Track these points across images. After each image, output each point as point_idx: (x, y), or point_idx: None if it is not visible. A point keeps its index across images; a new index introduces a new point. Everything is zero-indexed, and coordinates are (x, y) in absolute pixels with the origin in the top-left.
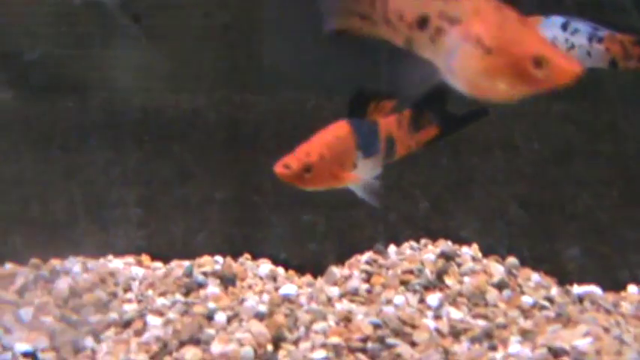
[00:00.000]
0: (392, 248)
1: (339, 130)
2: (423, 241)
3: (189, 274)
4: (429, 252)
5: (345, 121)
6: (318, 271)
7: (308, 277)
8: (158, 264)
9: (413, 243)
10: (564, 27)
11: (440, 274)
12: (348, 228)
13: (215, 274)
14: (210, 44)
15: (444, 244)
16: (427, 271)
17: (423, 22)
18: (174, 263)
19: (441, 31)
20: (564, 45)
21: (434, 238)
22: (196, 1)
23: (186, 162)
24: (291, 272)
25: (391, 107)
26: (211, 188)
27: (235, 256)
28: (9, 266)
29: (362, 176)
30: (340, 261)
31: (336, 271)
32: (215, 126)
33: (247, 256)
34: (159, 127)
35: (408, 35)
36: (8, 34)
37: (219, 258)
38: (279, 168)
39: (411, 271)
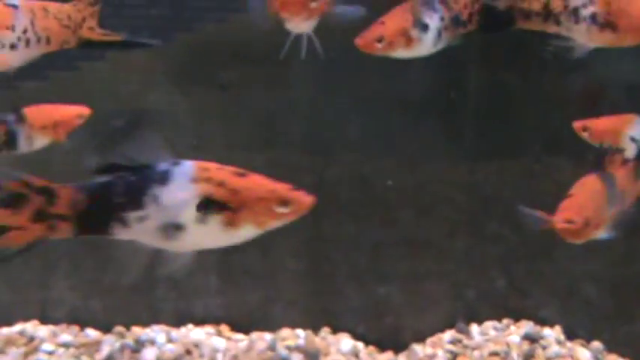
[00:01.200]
0: (475, 328)
1: (594, 185)
2: (505, 321)
3: (272, 348)
4: (513, 333)
5: (596, 176)
6: (396, 346)
7: (389, 354)
8: (240, 335)
9: (496, 323)
10: None
11: (527, 358)
12: (424, 302)
13: (298, 348)
14: None
15: (527, 325)
16: (514, 354)
17: None
18: (255, 335)
19: None
20: None
21: (515, 318)
22: None
23: None
24: (371, 348)
25: (622, 159)
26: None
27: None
28: (92, 333)
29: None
30: (419, 337)
31: (418, 349)
32: None
33: (327, 329)
34: None
35: None
36: None
37: (300, 332)
38: (559, 224)
39: (497, 354)
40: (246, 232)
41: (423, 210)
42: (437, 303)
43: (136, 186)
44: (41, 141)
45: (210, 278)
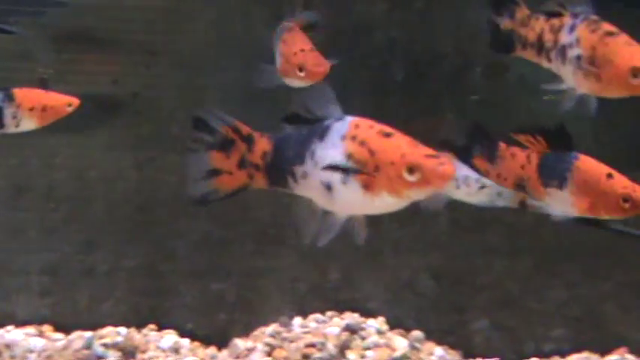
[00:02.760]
0: (297, 320)
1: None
2: (329, 313)
3: (89, 346)
4: (335, 325)
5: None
6: (224, 342)
7: (212, 349)
8: (60, 335)
9: (319, 315)
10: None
11: (343, 349)
12: (257, 298)
13: (116, 346)
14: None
15: (351, 317)
16: (330, 345)
17: None
18: (75, 334)
19: None
20: (475, 185)
21: (342, 310)
22: None
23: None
24: (196, 343)
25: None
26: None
27: (141, 326)
28: None
29: None
30: (247, 332)
31: (240, 343)
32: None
33: (152, 326)
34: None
35: None
36: None
37: (122, 329)
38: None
39: (313, 345)
40: (385, 199)
41: (262, 206)
42: (269, 298)
43: (303, 140)
44: (28, 123)
45: (35, 278)
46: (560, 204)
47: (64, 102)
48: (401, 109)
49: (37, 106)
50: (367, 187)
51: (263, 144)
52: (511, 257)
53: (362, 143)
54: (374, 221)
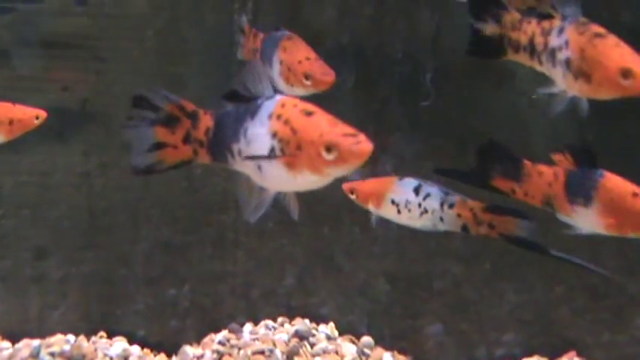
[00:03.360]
0: (248, 327)
1: None
2: (280, 319)
3: (36, 354)
4: (284, 332)
5: None
6: (175, 349)
7: (162, 357)
8: (6, 344)
9: (270, 322)
10: (417, 191)
11: (291, 355)
12: (210, 304)
13: (63, 354)
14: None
15: (301, 323)
16: (278, 352)
17: None
18: (23, 343)
19: None
20: (418, 209)
21: (294, 316)
22: None
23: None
24: (146, 351)
25: None
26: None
27: (92, 334)
28: None
29: None
30: (199, 339)
31: (189, 350)
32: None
33: (103, 334)
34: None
35: None
36: None
37: (71, 337)
38: None
39: (262, 352)
40: (308, 177)
41: (222, 210)
42: (222, 304)
43: (238, 118)
44: None
45: None
46: (587, 222)
47: (31, 115)
48: (352, 115)
49: (3, 119)
50: (290, 165)
51: (206, 121)
52: (467, 262)
53: (286, 122)
54: (332, 225)
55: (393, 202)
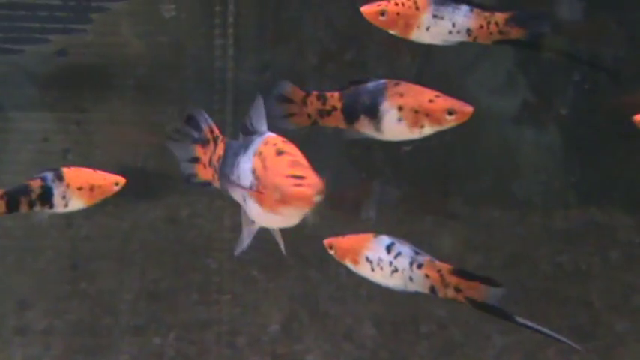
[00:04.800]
0: None
1: None
2: None
3: None
4: None
5: None
6: None
7: None
8: None
9: None
10: (389, 249)
11: None
12: (195, 352)
13: None
14: None
15: None
16: None
17: None
18: None
19: None
20: (389, 268)
21: None
22: None
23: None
24: None
25: None
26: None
27: None
28: None
29: None
30: None
31: None
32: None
33: None
34: None
35: None
36: None
37: None
38: None
39: None
40: (273, 215)
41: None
42: (208, 352)
43: (236, 151)
44: (76, 203)
45: None
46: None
47: (111, 181)
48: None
49: (85, 185)
50: (259, 201)
51: (219, 149)
52: (453, 303)
53: (262, 160)
54: (318, 267)
55: (367, 259)
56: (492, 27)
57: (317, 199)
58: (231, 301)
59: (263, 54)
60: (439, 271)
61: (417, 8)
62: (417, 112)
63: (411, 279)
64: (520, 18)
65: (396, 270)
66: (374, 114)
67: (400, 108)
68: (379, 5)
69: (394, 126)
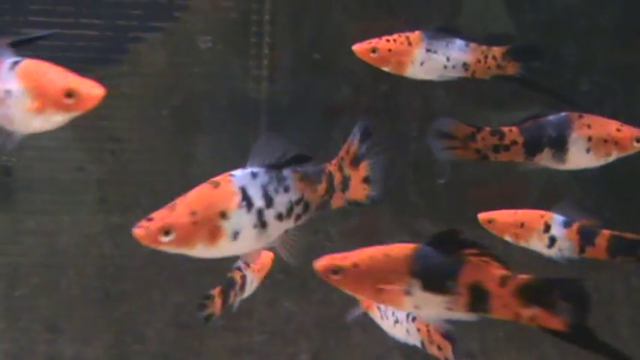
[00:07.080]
0: None
1: None
2: None
3: None
4: None
5: None
6: None
7: None
8: None
9: None
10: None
11: None
12: None
13: None
14: None
15: None
16: None
17: None
18: None
19: None
20: (392, 318)
21: None
22: None
23: None
24: None
25: None
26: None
27: None
28: None
29: None
30: None
31: None
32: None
33: None
34: None
35: None
36: None
37: None
38: None
39: None
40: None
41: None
42: None
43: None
44: (255, 283)
45: None
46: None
47: (269, 260)
48: None
49: (262, 268)
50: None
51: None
52: (481, 329)
53: None
54: (347, 296)
55: (378, 307)
56: (490, 61)
57: None
58: (258, 326)
59: (297, 85)
60: (427, 326)
61: (410, 44)
62: (606, 141)
63: (407, 331)
64: (516, 51)
65: (397, 321)
66: (560, 145)
67: (590, 139)
68: (370, 43)
69: (582, 155)
